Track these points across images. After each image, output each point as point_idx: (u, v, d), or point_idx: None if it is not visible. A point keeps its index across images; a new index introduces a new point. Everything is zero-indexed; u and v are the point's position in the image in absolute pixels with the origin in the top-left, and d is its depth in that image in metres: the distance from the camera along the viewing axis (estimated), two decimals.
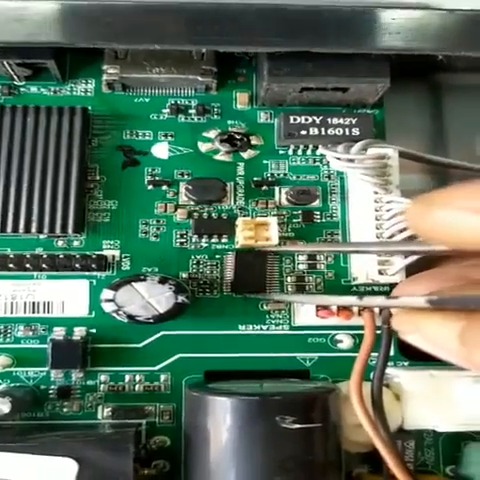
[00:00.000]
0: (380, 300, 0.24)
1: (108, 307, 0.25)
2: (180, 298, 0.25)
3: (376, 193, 0.27)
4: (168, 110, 0.29)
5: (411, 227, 0.16)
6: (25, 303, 0.27)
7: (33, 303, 0.27)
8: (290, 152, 0.29)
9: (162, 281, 0.25)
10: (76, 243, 0.28)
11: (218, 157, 0.29)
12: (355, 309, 0.27)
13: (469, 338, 0.14)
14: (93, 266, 0.27)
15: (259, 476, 0.22)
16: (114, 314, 0.25)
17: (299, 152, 0.29)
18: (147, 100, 0.29)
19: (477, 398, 0.24)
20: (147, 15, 0.25)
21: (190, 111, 0.29)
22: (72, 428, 0.25)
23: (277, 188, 0.29)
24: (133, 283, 0.25)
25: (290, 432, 0.22)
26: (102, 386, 0.27)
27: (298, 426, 0.22)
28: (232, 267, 0.28)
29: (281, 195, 0.29)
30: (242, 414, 0.23)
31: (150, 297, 0.25)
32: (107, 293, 0.25)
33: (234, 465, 0.22)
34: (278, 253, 0.28)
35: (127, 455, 0.23)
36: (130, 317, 0.25)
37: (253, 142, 0.29)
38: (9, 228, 0.26)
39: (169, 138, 0.29)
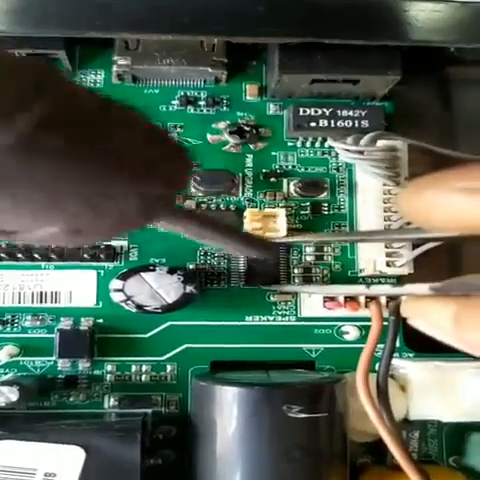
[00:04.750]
0: (387, 289, 0.24)
1: (117, 297, 0.26)
2: (188, 288, 0.26)
3: (384, 185, 0.27)
4: (177, 101, 0.29)
5: (403, 212, 0.17)
6: (33, 293, 0.27)
7: (41, 293, 0.27)
8: (299, 144, 0.29)
9: (171, 271, 0.26)
10: None
11: (227, 149, 0.29)
12: (362, 301, 0.27)
13: (462, 319, 0.15)
14: (101, 256, 0.27)
15: (265, 465, 0.23)
16: (123, 304, 0.25)
17: (308, 144, 0.29)
18: (157, 91, 0.29)
19: None
20: (159, 4, 0.24)
21: (199, 103, 0.29)
22: (78, 417, 0.26)
23: (285, 180, 0.29)
24: (142, 273, 0.26)
25: (297, 421, 0.22)
26: (109, 376, 0.27)
27: (305, 415, 0.22)
28: (245, 258, 0.28)
29: (289, 187, 0.29)
30: (249, 403, 0.23)
31: (159, 287, 0.25)
32: (116, 283, 0.26)
33: (241, 454, 0.23)
34: (287, 244, 0.28)
35: (135, 443, 0.23)
36: (139, 307, 0.25)
37: (262, 134, 0.29)
38: None
39: (178, 129, 0.29)
